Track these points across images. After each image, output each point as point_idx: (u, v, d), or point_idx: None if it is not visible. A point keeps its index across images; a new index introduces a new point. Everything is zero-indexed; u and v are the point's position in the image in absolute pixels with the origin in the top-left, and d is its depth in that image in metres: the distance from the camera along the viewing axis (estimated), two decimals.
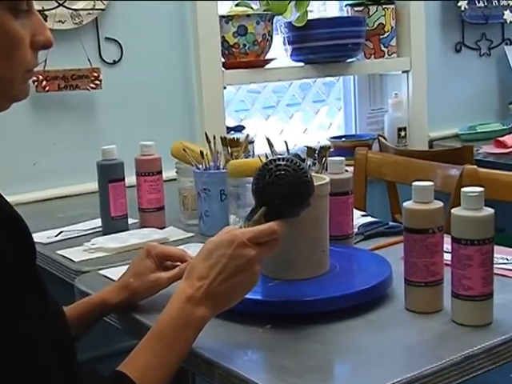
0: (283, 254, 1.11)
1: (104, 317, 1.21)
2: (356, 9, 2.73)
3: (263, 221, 0.98)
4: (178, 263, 1.18)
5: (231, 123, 2.59)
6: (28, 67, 0.85)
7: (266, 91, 2.83)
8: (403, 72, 2.85)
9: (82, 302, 1.19)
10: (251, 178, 1.24)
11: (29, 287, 0.78)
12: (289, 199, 0.99)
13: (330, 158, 1.40)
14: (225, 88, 2.42)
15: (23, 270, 0.78)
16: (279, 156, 1.00)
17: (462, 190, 1.05)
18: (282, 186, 0.97)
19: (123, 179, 1.66)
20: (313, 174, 1.30)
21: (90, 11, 2.15)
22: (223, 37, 2.39)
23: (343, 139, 2.79)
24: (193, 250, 1.40)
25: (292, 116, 2.91)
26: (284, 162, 0.98)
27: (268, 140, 1.43)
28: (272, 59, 2.50)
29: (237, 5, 2.52)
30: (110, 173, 1.65)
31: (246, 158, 1.67)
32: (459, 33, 3.04)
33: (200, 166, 1.61)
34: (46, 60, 2.04)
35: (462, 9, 2.96)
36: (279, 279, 1.16)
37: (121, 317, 1.21)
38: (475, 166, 1.93)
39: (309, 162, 1.39)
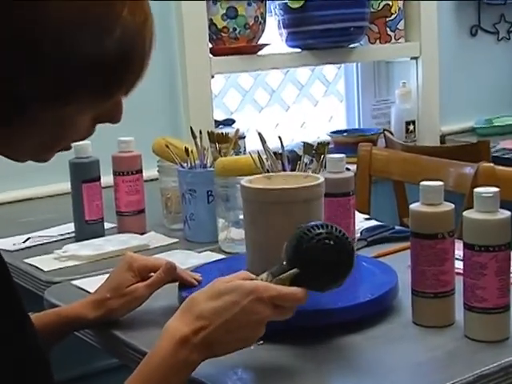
0: (274, 262, 1.12)
1: (74, 332, 1.21)
2: None
3: (288, 282, 0.99)
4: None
5: (220, 116, 2.59)
6: (76, 140, 0.85)
7: (258, 81, 2.83)
8: (412, 59, 2.86)
9: (51, 311, 1.20)
10: (241, 178, 1.26)
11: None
12: (327, 274, 1.01)
13: (328, 156, 1.41)
14: (213, 77, 2.42)
15: None
16: (330, 223, 1.02)
17: (475, 190, 1.06)
18: (326, 257, 1.00)
19: (99, 179, 1.67)
20: (306, 173, 1.32)
21: None
22: (211, 20, 2.39)
23: (345, 134, 2.80)
24: (177, 257, 1.41)
25: (288, 109, 2.91)
26: (336, 232, 1.01)
27: (260, 135, 1.43)
28: (265, 45, 2.50)
29: None
30: (83, 172, 1.65)
31: (237, 155, 1.68)
32: (475, 14, 3.05)
33: (185, 165, 1.61)
34: None
35: None
36: None
37: (98, 333, 1.22)
38: (492, 164, 1.94)
39: (306, 159, 1.39)
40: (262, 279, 0.99)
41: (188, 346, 0.92)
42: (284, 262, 1.01)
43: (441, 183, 1.11)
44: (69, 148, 0.86)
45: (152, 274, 1.18)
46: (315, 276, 1.00)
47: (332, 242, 1.00)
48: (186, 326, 0.93)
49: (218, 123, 2.47)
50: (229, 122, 2.53)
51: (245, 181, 1.26)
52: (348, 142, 2.63)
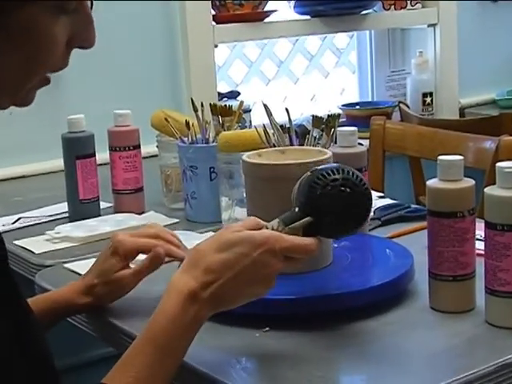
0: None
1: (67, 317, 1.21)
2: None
3: (301, 231, 0.98)
4: None
5: (224, 89, 2.59)
6: (53, 69, 0.83)
7: (265, 51, 2.82)
8: (429, 26, 2.85)
9: (43, 296, 1.20)
10: (245, 153, 1.25)
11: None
12: (342, 222, 0.99)
13: (339, 129, 1.40)
14: (216, 46, 2.41)
15: None
16: (345, 166, 1.00)
17: (498, 165, 1.04)
18: (342, 205, 0.98)
19: (94, 155, 1.66)
20: (312, 147, 1.30)
21: None
22: None
23: (357, 107, 2.80)
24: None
25: (297, 81, 2.91)
26: (353, 178, 0.99)
27: (266, 107, 1.42)
28: (272, 11, 2.50)
29: None
30: (77, 147, 1.65)
31: (241, 129, 1.67)
32: None
33: (185, 139, 1.60)
34: None
35: None
36: None
37: (93, 321, 1.21)
38: None
39: (315, 133, 1.38)
40: (272, 227, 0.98)
41: (197, 301, 0.92)
42: (296, 209, 0.99)
43: (460, 157, 1.10)
44: (48, 81, 0.85)
45: (141, 255, 1.17)
46: (330, 225, 0.99)
47: (349, 190, 0.98)
48: (194, 280, 0.93)
49: (221, 96, 2.48)
50: (233, 95, 2.53)
51: (253, 154, 1.24)
52: (361, 116, 2.63)
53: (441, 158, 1.10)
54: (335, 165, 1.01)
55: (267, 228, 0.98)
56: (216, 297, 0.93)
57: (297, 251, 0.96)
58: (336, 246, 1.23)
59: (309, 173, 1.01)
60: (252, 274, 0.94)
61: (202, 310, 0.93)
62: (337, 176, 0.98)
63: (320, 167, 1.01)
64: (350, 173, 0.99)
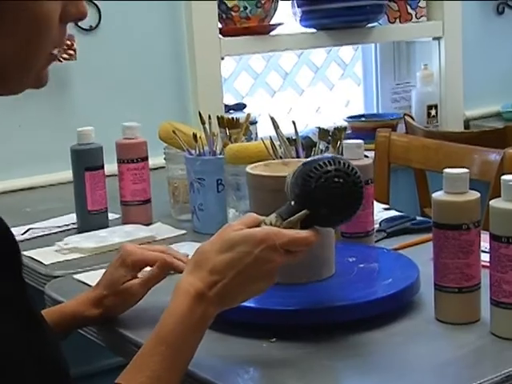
0: None
1: (77, 329, 1.21)
2: None
3: (299, 223, 0.99)
4: None
5: (230, 101, 2.60)
6: (54, 44, 0.83)
7: (271, 63, 2.83)
8: (434, 39, 2.86)
9: (54, 309, 1.20)
10: (251, 165, 1.26)
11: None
12: (338, 212, 1.01)
13: (345, 141, 1.40)
14: (222, 59, 2.42)
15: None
16: (337, 157, 1.02)
17: (503, 177, 1.05)
18: (337, 196, 0.99)
19: (102, 167, 1.67)
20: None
21: None
22: None
23: (363, 119, 2.80)
24: (185, 250, 1.40)
25: (302, 93, 2.91)
26: (344, 168, 1.00)
27: (273, 120, 1.43)
28: (278, 25, 2.50)
29: None
30: (86, 159, 1.65)
31: (248, 141, 1.67)
32: None
33: (193, 151, 1.61)
34: None
35: None
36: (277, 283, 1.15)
37: (102, 331, 1.22)
38: None
39: (321, 145, 1.39)
40: (270, 222, 1.00)
41: (204, 300, 0.94)
42: (292, 202, 1.01)
43: (466, 170, 1.10)
44: (55, 56, 0.85)
45: (148, 268, 1.18)
46: (326, 216, 1.01)
47: (342, 180, 1.00)
48: (200, 281, 0.95)
49: (228, 108, 2.48)
50: (240, 107, 2.53)
51: (259, 165, 1.26)
52: (366, 128, 2.63)
53: (446, 170, 1.10)
54: (327, 156, 1.03)
55: (265, 223, 1.00)
56: (222, 295, 0.95)
57: (297, 244, 0.98)
58: (346, 258, 1.24)
59: (301, 165, 1.02)
60: (255, 270, 0.96)
61: (209, 309, 0.95)
62: (329, 168, 1.00)
63: (312, 159, 1.02)
64: (342, 163, 1.00)
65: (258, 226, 1.00)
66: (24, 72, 0.83)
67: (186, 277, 0.97)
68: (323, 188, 0.99)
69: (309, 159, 1.03)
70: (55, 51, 0.85)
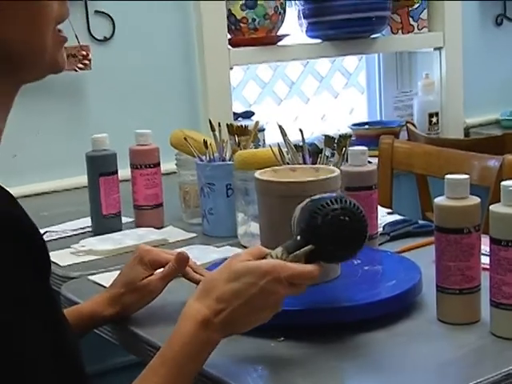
0: None
1: (94, 329, 1.21)
2: None
3: (303, 258, 1.00)
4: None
5: (239, 109, 2.60)
6: (58, 19, 0.84)
7: (278, 72, 2.83)
8: (435, 49, 2.85)
9: (71, 309, 1.20)
10: (259, 171, 1.26)
11: (33, 312, 0.77)
12: (343, 248, 1.01)
13: (350, 148, 1.40)
14: (231, 68, 2.42)
15: (27, 293, 0.77)
16: (343, 196, 1.02)
17: (503, 183, 1.05)
18: (342, 233, 1.00)
19: (116, 172, 1.67)
20: (322, 165, 1.32)
21: None
22: (229, 10, 2.40)
23: (366, 126, 2.79)
24: (196, 252, 1.41)
25: (308, 101, 2.91)
26: (350, 206, 1.00)
27: (281, 128, 1.43)
28: (285, 35, 2.50)
29: None
30: (101, 165, 1.66)
31: (256, 148, 1.68)
32: (500, 3, 3.03)
33: (203, 158, 1.61)
34: None
35: None
36: None
37: (116, 330, 1.22)
38: None
39: (327, 152, 1.39)
40: (276, 255, 1.00)
41: (209, 327, 0.95)
42: (298, 237, 1.01)
43: (467, 176, 1.10)
44: (64, 37, 0.86)
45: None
46: (331, 251, 1.01)
47: (347, 218, 0.99)
48: (207, 308, 0.95)
49: (236, 115, 2.48)
50: (248, 115, 2.53)
51: (268, 171, 1.26)
52: (369, 135, 2.63)
53: (448, 176, 1.10)
54: (333, 195, 1.03)
55: (271, 256, 1.00)
56: (226, 323, 0.96)
57: (300, 278, 0.98)
58: (351, 261, 1.24)
59: (308, 202, 1.02)
60: (260, 301, 0.96)
61: (213, 335, 0.95)
62: (336, 206, 1.00)
63: (318, 196, 1.03)
64: (348, 202, 1.01)
65: (264, 257, 1.00)
66: (37, 53, 0.84)
67: (194, 302, 0.97)
68: (329, 225, 0.99)
69: (316, 197, 1.02)
70: (63, 33, 0.86)
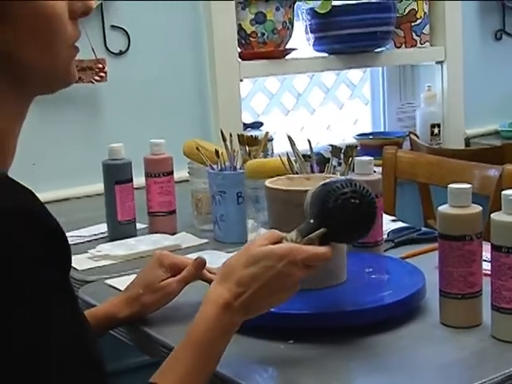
0: None
1: (109, 330, 1.22)
2: None
3: (317, 240, 1.00)
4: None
5: (247, 119, 2.60)
6: (70, 42, 0.85)
7: (285, 84, 2.83)
8: (437, 63, 2.85)
9: (87, 313, 1.20)
10: (269, 180, 1.26)
11: (60, 306, 0.78)
12: (354, 230, 1.03)
13: (357, 158, 1.41)
14: (241, 81, 2.43)
15: (55, 288, 0.77)
16: (352, 180, 1.03)
17: (503, 192, 1.05)
18: (354, 215, 1.01)
19: (131, 180, 1.68)
20: (331, 174, 1.32)
21: None
22: (239, 25, 2.40)
23: (370, 137, 2.79)
24: (207, 258, 1.41)
25: (314, 112, 2.91)
26: (360, 189, 1.01)
27: (290, 138, 1.44)
28: (293, 49, 2.51)
29: None
30: (116, 173, 1.66)
31: (265, 157, 1.68)
32: (499, 18, 3.03)
33: (215, 167, 1.62)
34: None
35: None
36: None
37: (130, 331, 1.22)
38: None
39: (334, 162, 1.39)
40: (291, 238, 1.01)
41: (231, 309, 0.96)
42: (311, 220, 1.02)
43: (469, 186, 1.10)
44: (76, 48, 0.87)
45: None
46: (343, 233, 1.02)
47: (358, 201, 1.00)
48: (228, 291, 0.97)
49: (246, 126, 2.48)
50: (257, 125, 2.53)
51: (283, 179, 1.28)
52: (374, 145, 2.63)
53: (451, 186, 1.10)
54: (343, 178, 1.04)
55: (287, 240, 1.01)
56: (246, 305, 0.97)
57: (315, 260, 0.99)
58: (358, 266, 1.25)
59: (320, 187, 1.03)
60: (277, 283, 0.98)
61: (234, 318, 0.97)
62: (346, 189, 1.01)
63: (330, 181, 1.04)
64: (358, 185, 1.02)
65: (280, 242, 1.01)
66: (50, 69, 0.84)
67: (215, 287, 0.98)
68: (341, 208, 1.00)
69: (327, 181, 1.04)
70: (73, 48, 0.86)
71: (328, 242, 1.01)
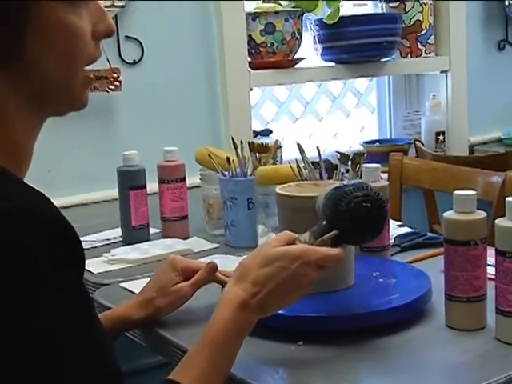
0: None
1: (125, 332, 1.22)
2: (391, 5, 2.74)
3: (329, 242, 1.01)
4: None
5: (256, 127, 2.60)
6: (89, 60, 0.86)
7: (293, 93, 2.84)
8: (442, 72, 2.85)
9: (101, 315, 1.21)
10: (280, 186, 1.27)
11: (76, 311, 0.78)
12: (365, 232, 1.03)
13: (364, 165, 1.41)
14: (251, 90, 2.44)
15: (72, 293, 0.78)
16: (364, 183, 1.04)
17: (508, 199, 1.05)
18: (365, 218, 1.01)
19: (145, 186, 1.69)
20: (338, 181, 1.33)
21: (109, 8, 2.19)
22: (250, 35, 2.41)
23: (377, 144, 2.79)
24: (218, 262, 1.41)
25: (321, 119, 2.91)
26: (372, 193, 1.02)
27: (299, 146, 1.44)
28: (301, 59, 2.52)
29: (264, 1, 2.54)
30: (130, 180, 1.67)
31: (275, 164, 1.68)
32: (502, 29, 3.04)
33: (226, 173, 1.62)
34: None
35: (506, 3, 2.96)
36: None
37: (144, 333, 1.23)
38: None
39: (342, 169, 1.40)
40: (305, 240, 1.01)
41: (247, 309, 0.97)
42: (324, 222, 1.02)
43: (474, 192, 1.11)
44: (90, 79, 0.88)
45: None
46: (355, 235, 1.03)
47: (369, 205, 1.01)
48: (244, 291, 0.97)
49: (255, 133, 2.49)
50: (266, 133, 2.54)
51: (293, 186, 1.28)
52: (380, 152, 2.63)
53: (456, 192, 1.11)
54: (355, 182, 1.05)
55: (300, 241, 1.02)
56: (262, 305, 0.97)
57: (329, 260, 1.00)
58: (366, 270, 1.25)
59: (332, 190, 1.04)
60: (291, 283, 0.98)
61: (250, 316, 0.97)
62: (358, 193, 1.01)
63: (342, 184, 1.04)
64: (369, 189, 1.02)
65: (293, 243, 1.01)
66: (66, 89, 0.85)
67: (231, 287, 0.99)
68: (353, 211, 1.00)
69: (339, 184, 1.04)
70: (91, 75, 0.87)
71: (340, 243, 1.01)
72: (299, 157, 1.45)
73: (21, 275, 0.72)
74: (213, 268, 1.19)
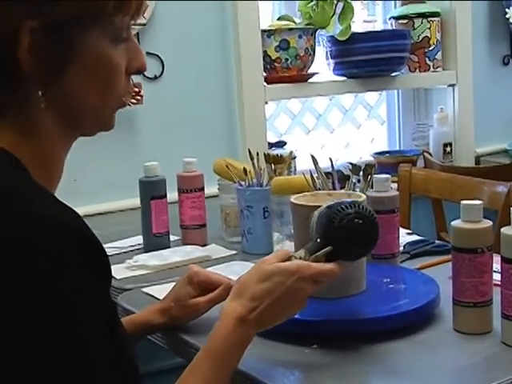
0: None
1: (147, 335, 1.23)
2: (400, 22, 2.74)
3: (324, 258, 1.01)
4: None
5: (270, 138, 2.61)
6: (121, 93, 0.88)
7: (306, 106, 2.85)
8: (449, 86, 2.85)
9: (124, 320, 1.22)
10: (294, 196, 1.28)
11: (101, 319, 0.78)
12: (358, 248, 1.03)
13: (375, 176, 1.42)
14: (266, 103, 2.44)
15: (96, 301, 0.78)
16: (356, 201, 1.04)
17: None
18: (357, 235, 1.01)
19: (165, 196, 1.69)
20: (352, 191, 1.33)
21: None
22: (265, 51, 2.42)
23: (387, 155, 2.79)
24: (236, 268, 1.42)
25: (333, 131, 2.92)
26: (363, 210, 1.02)
27: (313, 157, 1.45)
28: (314, 73, 2.52)
29: (279, 18, 2.55)
30: (152, 189, 1.68)
31: (289, 174, 1.69)
32: (507, 45, 3.03)
33: (243, 183, 1.63)
34: None
35: (511, 20, 2.96)
36: (318, 297, 1.16)
37: (167, 336, 1.23)
38: None
39: (354, 179, 1.40)
40: (300, 257, 1.01)
41: (245, 323, 0.96)
42: (318, 239, 1.03)
43: (480, 202, 1.11)
44: (124, 103, 0.89)
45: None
46: (348, 252, 1.02)
47: (361, 221, 1.01)
48: (242, 306, 0.97)
49: (270, 145, 2.49)
50: (280, 144, 2.54)
51: (304, 195, 1.28)
52: (389, 163, 2.63)
53: (464, 202, 1.11)
54: (348, 200, 1.05)
55: (295, 257, 1.02)
56: (260, 319, 0.97)
57: (323, 275, 1.00)
58: (376, 276, 1.26)
59: (326, 208, 1.04)
60: (288, 298, 0.98)
61: (249, 330, 0.97)
62: (350, 210, 1.02)
63: (335, 202, 1.04)
64: (361, 206, 1.02)
65: (289, 259, 1.01)
66: (99, 114, 0.87)
67: (230, 303, 0.99)
68: (345, 228, 1.01)
69: (332, 203, 1.04)
70: (123, 98, 0.89)
71: (334, 259, 1.01)
72: (312, 167, 1.45)
73: (44, 281, 0.73)
74: (230, 286, 1.17)
